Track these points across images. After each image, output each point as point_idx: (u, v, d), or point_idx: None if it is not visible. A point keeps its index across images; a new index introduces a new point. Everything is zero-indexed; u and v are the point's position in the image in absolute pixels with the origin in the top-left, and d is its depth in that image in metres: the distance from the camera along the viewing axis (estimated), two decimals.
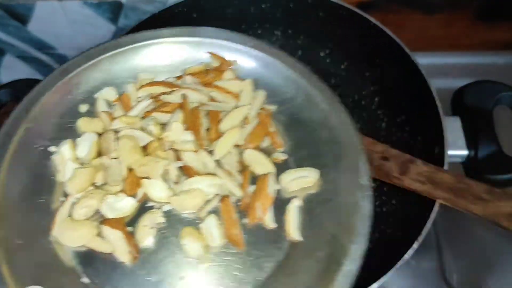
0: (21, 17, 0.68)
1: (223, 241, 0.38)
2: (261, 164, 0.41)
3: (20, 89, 0.54)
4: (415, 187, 0.44)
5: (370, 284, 0.45)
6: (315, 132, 0.43)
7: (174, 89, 0.44)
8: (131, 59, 0.46)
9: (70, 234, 0.37)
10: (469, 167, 0.51)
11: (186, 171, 0.40)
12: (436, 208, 0.46)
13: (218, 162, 0.41)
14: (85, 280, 0.36)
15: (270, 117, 0.43)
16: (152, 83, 0.45)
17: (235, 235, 0.38)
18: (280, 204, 0.40)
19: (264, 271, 0.37)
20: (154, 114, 0.43)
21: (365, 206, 0.38)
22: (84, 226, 0.37)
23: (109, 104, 0.44)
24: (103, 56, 0.45)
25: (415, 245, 0.45)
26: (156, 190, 0.39)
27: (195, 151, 0.41)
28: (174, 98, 0.44)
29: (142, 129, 0.42)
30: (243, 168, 0.41)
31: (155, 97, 0.44)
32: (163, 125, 0.43)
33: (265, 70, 0.46)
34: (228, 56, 0.46)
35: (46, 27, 0.70)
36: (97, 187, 0.40)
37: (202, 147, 0.41)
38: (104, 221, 0.38)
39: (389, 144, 0.60)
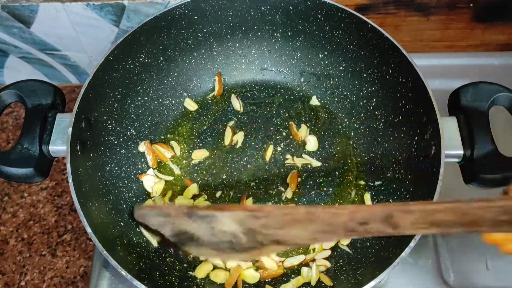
0: (25, 19, 0.68)
1: None
2: None
3: (23, 89, 0.55)
4: (421, 232, 0.38)
5: (368, 282, 0.45)
6: None
7: None
8: None
9: None
10: (465, 167, 0.52)
11: None
12: None
13: None
14: None
15: None
16: None
17: None
18: None
19: None
20: None
21: None
22: None
23: None
24: None
25: (412, 243, 0.46)
26: None
27: None
28: None
29: None
30: None
31: None
32: None
33: None
34: None
35: (49, 29, 0.70)
36: None
37: None
38: None
39: (386, 144, 0.61)
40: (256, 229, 0.36)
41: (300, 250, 0.58)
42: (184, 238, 0.39)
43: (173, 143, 0.64)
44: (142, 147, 0.63)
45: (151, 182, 0.61)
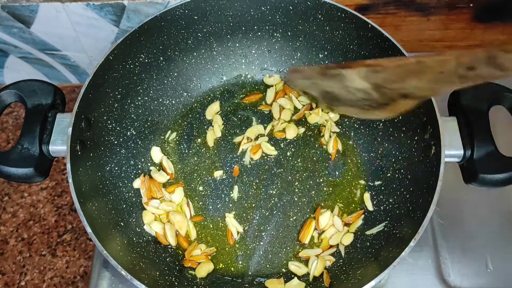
0: (25, 19, 0.68)
1: None
2: None
3: (23, 89, 0.55)
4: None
5: (368, 282, 0.45)
6: None
7: None
8: None
9: None
10: (465, 167, 0.52)
11: None
12: (433, 206, 0.47)
13: None
14: None
15: None
16: None
17: None
18: None
19: None
20: None
21: None
22: None
23: None
24: None
25: (412, 243, 0.46)
26: None
27: None
28: None
29: None
30: None
31: None
32: None
33: None
34: None
35: (49, 29, 0.70)
36: None
37: None
38: None
39: (386, 144, 0.61)
40: (381, 84, 0.38)
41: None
42: (329, 98, 0.43)
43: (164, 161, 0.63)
44: (137, 182, 0.61)
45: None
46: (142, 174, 0.61)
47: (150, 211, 0.59)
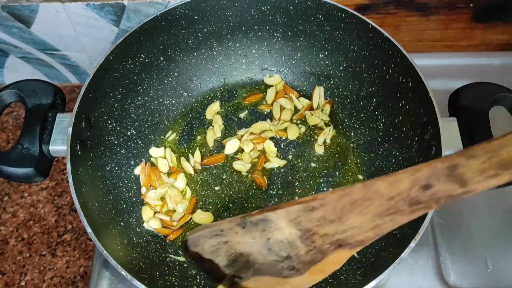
0: (25, 19, 0.68)
1: None
2: None
3: (23, 89, 0.55)
4: (493, 184, 0.31)
5: (368, 282, 0.45)
6: None
7: None
8: None
9: None
10: None
11: None
12: None
13: None
14: None
15: None
16: None
17: None
18: None
19: None
20: None
21: None
22: None
23: None
24: None
25: (412, 244, 0.46)
26: None
27: None
28: None
29: None
30: None
31: None
32: None
33: None
34: None
35: (49, 29, 0.70)
36: None
37: None
38: None
39: (387, 144, 0.61)
40: (313, 229, 0.34)
41: None
42: (240, 265, 0.36)
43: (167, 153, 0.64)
44: (138, 169, 0.62)
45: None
46: (144, 161, 0.62)
47: (148, 202, 0.59)
